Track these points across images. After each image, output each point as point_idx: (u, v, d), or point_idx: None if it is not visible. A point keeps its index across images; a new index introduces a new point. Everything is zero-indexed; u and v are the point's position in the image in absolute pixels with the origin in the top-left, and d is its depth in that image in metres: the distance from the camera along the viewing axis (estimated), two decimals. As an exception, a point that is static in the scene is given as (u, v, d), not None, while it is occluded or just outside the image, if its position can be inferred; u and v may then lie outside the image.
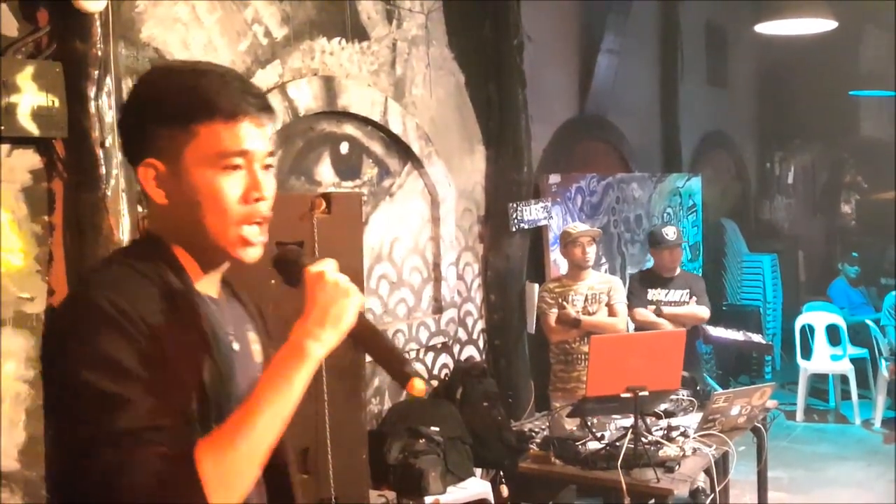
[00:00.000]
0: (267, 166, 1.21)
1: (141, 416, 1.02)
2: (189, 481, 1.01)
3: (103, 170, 2.79)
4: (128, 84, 3.03)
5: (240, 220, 1.17)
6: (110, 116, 2.80)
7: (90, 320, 1.05)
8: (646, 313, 4.47)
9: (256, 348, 1.30)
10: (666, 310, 4.48)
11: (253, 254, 1.21)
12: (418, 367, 4.53)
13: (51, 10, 2.77)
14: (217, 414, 1.12)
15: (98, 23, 2.77)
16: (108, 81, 2.81)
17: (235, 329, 1.25)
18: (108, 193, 2.80)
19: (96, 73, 2.77)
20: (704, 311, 4.54)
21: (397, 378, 1.22)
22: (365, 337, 1.21)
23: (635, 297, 4.55)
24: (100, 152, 2.78)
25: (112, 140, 2.80)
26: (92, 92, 2.77)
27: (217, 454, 1.04)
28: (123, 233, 2.83)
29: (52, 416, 1.12)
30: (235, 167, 1.17)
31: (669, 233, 4.66)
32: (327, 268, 1.19)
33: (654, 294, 4.58)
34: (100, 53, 2.78)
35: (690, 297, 4.57)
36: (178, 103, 1.15)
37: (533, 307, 4.98)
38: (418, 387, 1.19)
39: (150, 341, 1.06)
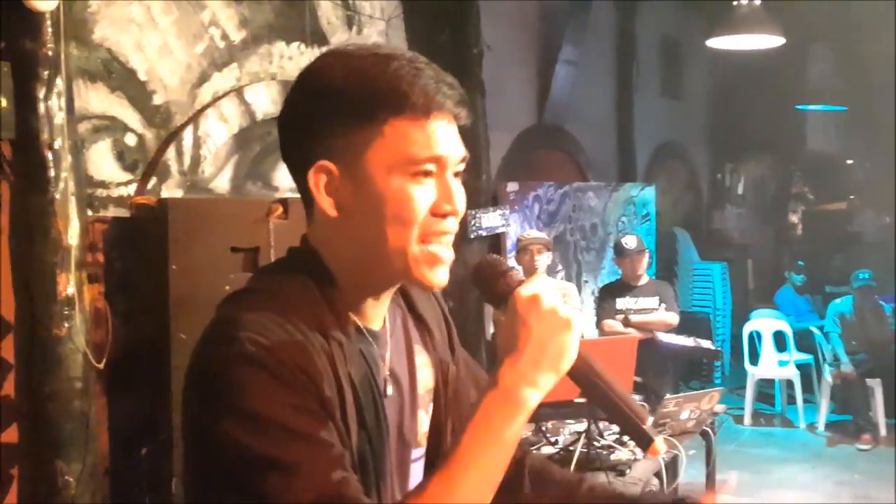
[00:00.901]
0: (458, 173, 1.00)
1: (333, 478, 0.86)
2: None
3: (52, 172, 2.72)
4: (79, 85, 2.98)
5: (427, 236, 0.96)
6: (60, 118, 2.74)
7: (243, 370, 0.86)
8: (613, 324, 4.53)
9: (423, 376, 1.09)
10: (634, 318, 4.55)
11: (441, 276, 0.98)
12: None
13: (-1, 8, 2.71)
14: (365, 480, 0.95)
15: (49, 22, 2.71)
16: (59, 82, 2.75)
17: (397, 363, 1.05)
18: (57, 197, 2.73)
19: (46, 73, 2.71)
20: (673, 317, 4.63)
21: (634, 437, 1.00)
22: (587, 379, 0.98)
23: (603, 310, 4.61)
24: (49, 154, 2.72)
25: (62, 142, 2.75)
26: (41, 93, 2.71)
27: None
28: (73, 237, 2.77)
29: (206, 482, 0.91)
30: (427, 174, 0.96)
31: (629, 241, 4.74)
32: (542, 289, 0.94)
33: (623, 303, 4.65)
34: (50, 53, 2.72)
35: (660, 304, 4.65)
36: (361, 95, 0.94)
37: (490, 315, 5.01)
38: (660, 450, 0.97)
39: (312, 397, 0.88)
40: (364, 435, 0.95)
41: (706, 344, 5.51)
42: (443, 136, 0.97)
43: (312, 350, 0.91)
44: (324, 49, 4.12)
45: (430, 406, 1.09)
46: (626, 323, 4.53)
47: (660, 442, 0.97)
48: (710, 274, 8.34)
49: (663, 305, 4.64)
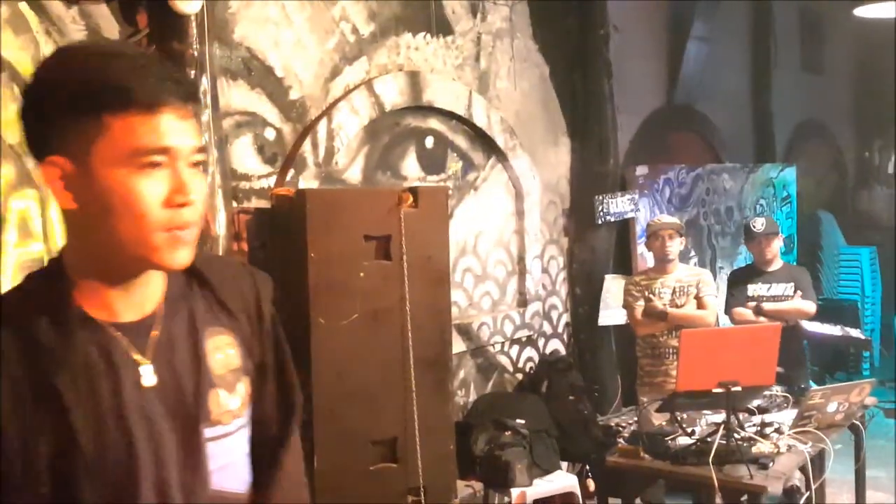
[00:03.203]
0: (196, 163, 1.02)
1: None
2: None
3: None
4: (222, 83, 3.14)
5: (162, 227, 0.99)
6: (207, 115, 2.89)
7: None
8: (744, 312, 4.33)
9: (218, 359, 1.12)
10: (767, 306, 4.32)
11: (183, 257, 1.02)
12: (503, 360, 4.54)
13: (149, 11, 2.87)
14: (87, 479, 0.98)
15: (194, 24, 2.86)
16: (205, 81, 2.90)
17: (168, 349, 1.07)
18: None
19: (193, 73, 2.87)
20: (810, 306, 4.37)
21: None
22: None
23: (733, 297, 4.42)
24: (197, 149, 2.88)
25: (209, 138, 2.89)
26: (189, 91, 2.86)
27: None
28: (220, 227, 2.93)
29: None
30: (155, 165, 0.98)
31: (757, 223, 4.51)
32: None
33: (754, 289, 4.43)
34: (196, 54, 2.87)
35: (795, 291, 4.40)
36: (86, 90, 0.96)
37: (606, 300, 4.92)
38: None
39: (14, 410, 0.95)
40: (88, 429, 0.97)
41: (855, 333, 5.18)
42: (171, 129, 0.99)
43: (14, 360, 0.96)
44: (448, 39, 4.16)
45: (239, 385, 1.12)
46: (758, 311, 4.31)
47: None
48: (857, 259, 7.86)
49: (799, 293, 4.39)
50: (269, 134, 3.39)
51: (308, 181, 3.47)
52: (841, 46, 8.38)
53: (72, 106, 0.97)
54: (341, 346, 2.94)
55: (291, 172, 3.42)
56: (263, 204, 3.31)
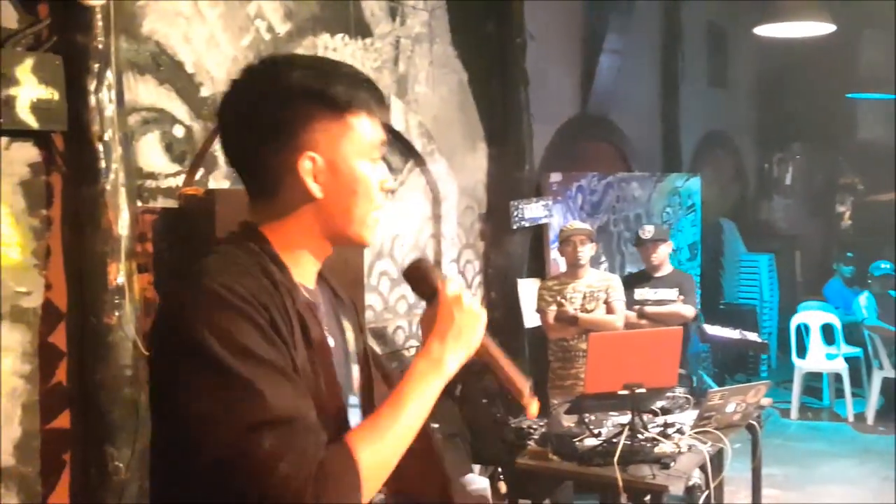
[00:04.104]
0: None
1: (291, 405, 1.02)
2: (349, 468, 1.04)
3: (103, 164, 2.78)
4: (128, 78, 3.03)
5: (377, 208, 1.23)
6: (111, 110, 2.80)
7: (218, 308, 1.03)
8: (629, 315, 4.48)
9: (350, 337, 1.30)
10: (649, 309, 4.50)
11: (375, 236, 1.26)
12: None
13: (51, 2, 2.76)
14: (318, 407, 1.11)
15: (99, 16, 2.76)
16: (109, 75, 2.80)
17: (328, 321, 1.24)
18: (108, 188, 2.79)
19: (97, 66, 2.77)
20: (689, 310, 4.55)
21: (517, 400, 1.30)
22: (487, 356, 1.29)
23: (624, 301, 4.57)
24: (99, 146, 2.77)
25: (112, 134, 2.80)
26: (92, 86, 2.76)
27: (371, 444, 1.08)
28: (122, 227, 2.83)
29: (174, 415, 1.06)
30: (376, 159, 1.22)
31: (646, 231, 4.71)
32: (462, 291, 1.24)
33: (641, 294, 4.60)
34: (101, 47, 2.77)
35: (679, 296, 4.58)
36: (339, 94, 1.16)
37: (525, 303, 4.99)
38: (533, 412, 1.30)
39: (274, 331, 1.06)
40: (316, 366, 1.13)
41: (752, 336, 5.43)
42: (379, 128, 1.22)
43: (265, 284, 1.09)
44: (367, 41, 4.14)
45: (355, 365, 1.30)
46: (641, 314, 4.48)
47: (533, 407, 1.30)
48: (756, 266, 8.21)
49: (681, 297, 4.57)
50: (178, 131, 3.29)
51: (219, 181, 3.39)
52: (744, 63, 8.75)
53: (324, 108, 1.15)
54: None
55: (201, 171, 3.33)
56: (171, 204, 3.21)
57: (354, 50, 4.07)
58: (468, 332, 1.22)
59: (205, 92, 3.38)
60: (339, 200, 1.18)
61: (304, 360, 1.10)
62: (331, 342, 1.20)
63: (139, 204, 3.06)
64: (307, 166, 1.15)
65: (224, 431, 0.99)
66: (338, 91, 1.16)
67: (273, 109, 1.14)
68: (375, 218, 1.23)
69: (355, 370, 1.28)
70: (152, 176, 3.20)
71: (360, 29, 4.10)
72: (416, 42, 4.45)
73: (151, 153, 3.20)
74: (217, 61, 3.43)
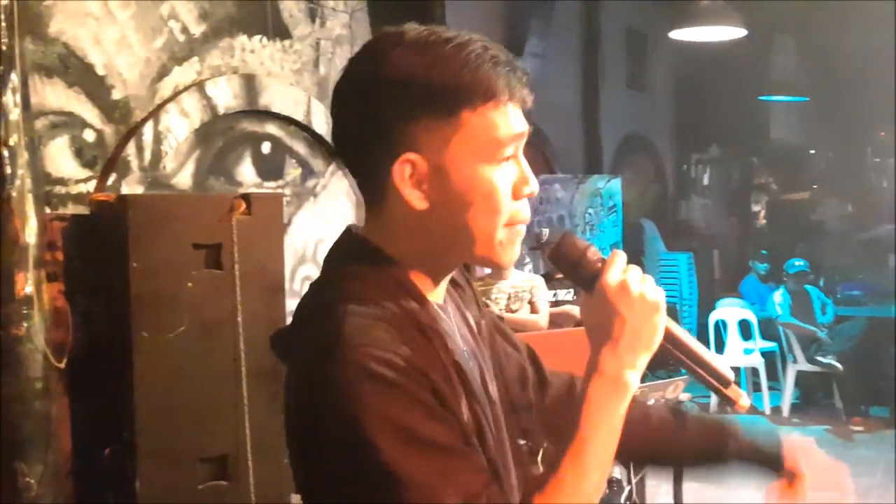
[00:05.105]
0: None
1: (470, 482, 0.87)
2: None
3: (8, 170, 2.68)
4: (35, 81, 2.92)
5: (509, 221, 0.98)
6: (16, 114, 2.69)
7: (371, 386, 0.86)
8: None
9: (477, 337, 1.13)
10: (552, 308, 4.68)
11: (515, 254, 1.01)
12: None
13: (-50, 1, 2.64)
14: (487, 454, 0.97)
15: (2, 16, 2.65)
16: (14, 77, 2.70)
17: (461, 332, 1.05)
18: (14, 195, 2.68)
19: (0, 69, 2.66)
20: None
21: (718, 395, 1.06)
22: (677, 350, 1.04)
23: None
24: (4, 152, 2.67)
25: (18, 139, 2.69)
26: (-5, 89, 2.66)
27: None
28: (30, 235, 2.72)
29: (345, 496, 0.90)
30: (507, 159, 0.97)
31: (544, 234, 4.94)
32: (629, 277, 0.97)
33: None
34: (4, 48, 2.67)
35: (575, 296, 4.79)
36: (447, 87, 0.93)
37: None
38: (743, 403, 1.04)
39: (439, 400, 0.89)
40: (478, 409, 0.97)
41: (672, 334, 5.59)
42: (516, 118, 0.98)
43: (420, 344, 0.91)
44: (286, 43, 4.09)
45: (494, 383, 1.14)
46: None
47: (744, 399, 1.04)
48: (676, 264, 8.43)
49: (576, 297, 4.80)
50: (89, 136, 3.19)
51: (132, 186, 3.29)
52: (662, 67, 8.99)
53: (436, 104, 0.93)
54: (168, 361, 2.81)
55: (113, 177, 3.23)
56: (82, 210, 3.11)
57: (273, 52, 4.01)
58: (646, 332, 0.97)
59: (116, 95, 3.28)
60: (451, 213, 0.95)
61: (468, 414, 0.94)
62: (468, 360, 1.01)
63: (48, 211, 2.95)
64: (406, 171, 0.94)
65: None
66: (446, 79, 0.93)
67: (373, 104, 0.95)
68: (512, 233, 0.98)
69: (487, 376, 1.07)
70: (62, 182, 3.09)
71: (279, 30, 4.05)
72: (337, 44, 4.42)
73: (61, 158, 3.09)
74: (129, 63, 3.33)
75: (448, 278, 1.05)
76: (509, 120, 0.97)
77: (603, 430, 0.94)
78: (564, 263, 1.02)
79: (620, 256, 0.99)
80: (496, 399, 1.05)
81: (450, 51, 0.95)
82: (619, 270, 0.98)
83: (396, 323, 0.91)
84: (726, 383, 1.04)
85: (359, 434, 0.84)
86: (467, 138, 0.94)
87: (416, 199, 0.95)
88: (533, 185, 1.00)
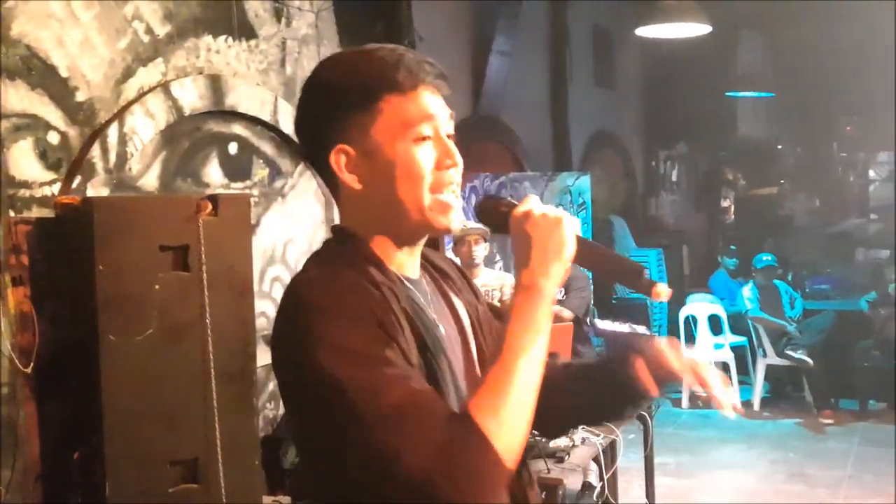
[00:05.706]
0: (450, 136, 1.20)
1: (411, 389, 1.03)
2: (477, 436, 1.01)
3: (-31, 172, 2.64)
4: (-4, 82, 2.89)
5: (435, 188, 1.16)
6: (-23, 116, 2.66)
7: (319, 316, 1.06)
8: None
9: (463, 314, 1.28)
10: None
11: (455, 219, 1.19)
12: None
13: None
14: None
15: (-39, 18, 2.62)
16: (-26, 79, 2.66)
17: (437, 309, 1.22)
18: (-24, 197, 2.65)
19: (-39, 70, 2.62)
20: (567, 313, 4.80)
21: (637, 288, 1.16)
22: (589, 258, 1.16)
23: None
24: (-35, 154, 2.63)
25: (-21, 141, 2.66)
26: (-45, 90, 2.62)
27: (493, 408, 1.03)
28: (-6, 239, 2.69)
29: (307, 414, 1.10)
30: (424, 138, 1.16)
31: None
32: (531, 204, 1.14)
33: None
34: (-36, 50, 2.63)
35: (564, 295, 4.82)
36: (359, 86, 1.15)
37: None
38: (663, 291, 1.13)
39: (375, 325, 1.06)
40: (429, 357, 1.13)
41: (642, 329, 5.63)
42: (430, 103, 1.18)
43: (368, 289, 1.10)
44: (252, 43, 4.07)
45: (472, 342, 1.29)
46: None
47: (660, 286, 1.14)
48: (646, 260, 8.48)
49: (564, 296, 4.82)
50: (53, 138, 3.15)
51: (97, 189, 3.26)
52: (630, 64, 9.07)
53: (353, 101, 1.15)
54: (135, 364, 2.79)
55: (78, 179, 3.20)
56: (47, 213, 3.07)
57: (239, 52, 3.99)
58: (553, 243, 1.11)
59: (80, 97, 3.25)
60: (383, 188, 1.15)
61: (418, 356, 1.11)
62: (442, 331, 1.19)
63: (12, 214, 2.92)
64: (342, 160, 1.16)
65: (350, 434, 1.01)
66: (360, 80, 1.16)
67: (309, 110, 1.20)
68: (442, 201, 1.16)
69: (474, 348, 1.26)
70: (26, 185, 3.05)
71: (245, 30, 4.03)
72: (304, 44, 4.41)
73: (24, 161, 3.05)
74: (93, 64, 3.30)
75: (416, 254, 1.23)
76: (420, 104, 1.16)
77: (527, 333, 1.08)
78: (487, 215, 1.21)
79: (530, 197, 1.16)
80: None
81: (364, 57, 1.19)
82: (524, 203, 1.15)
83: (351, 278, 1.11)
84: (640, 273, 1.15)
85: (308, 355, 1.03)
86: (385, 124, 1.15)
87: (353, 182, 1.17)
88: (455, 158, 1.17)
